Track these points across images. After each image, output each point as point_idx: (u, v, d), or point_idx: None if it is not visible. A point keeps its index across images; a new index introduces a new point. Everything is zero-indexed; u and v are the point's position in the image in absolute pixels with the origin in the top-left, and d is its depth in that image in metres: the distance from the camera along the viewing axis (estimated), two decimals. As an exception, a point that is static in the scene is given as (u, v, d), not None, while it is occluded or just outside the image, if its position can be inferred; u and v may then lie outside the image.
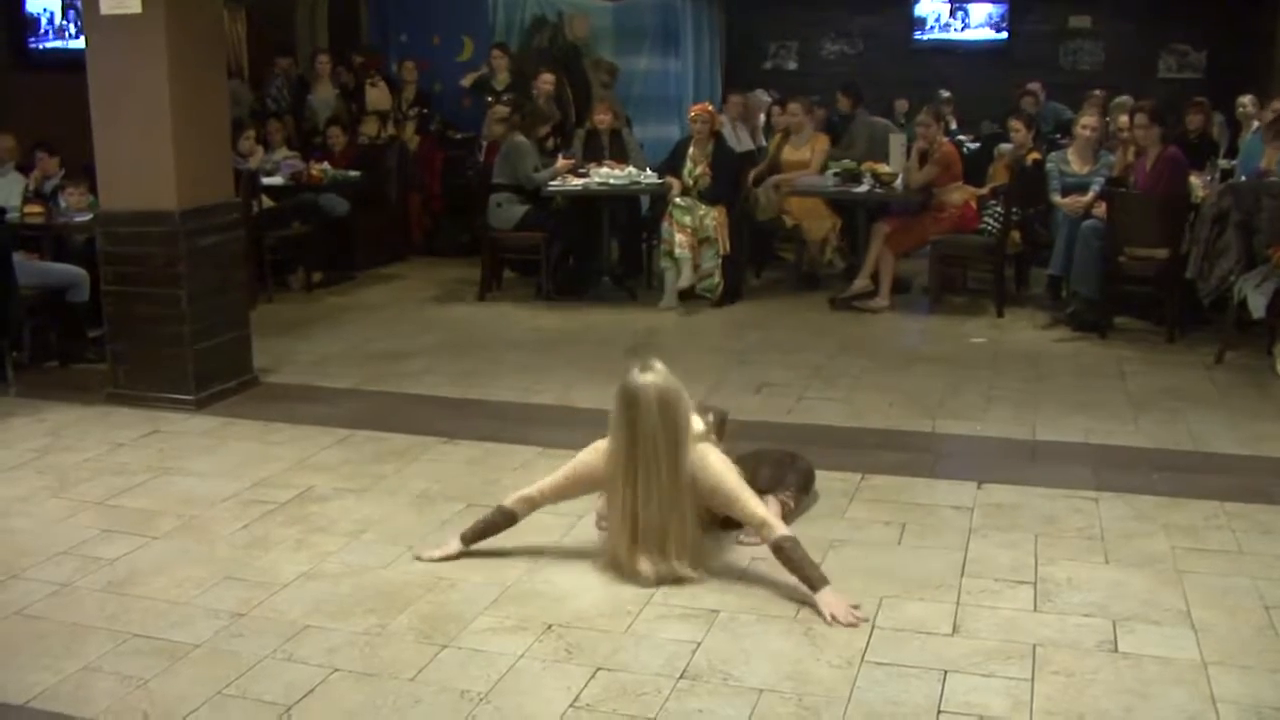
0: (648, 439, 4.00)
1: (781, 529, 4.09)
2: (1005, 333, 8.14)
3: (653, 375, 4.07)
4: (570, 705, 3.35)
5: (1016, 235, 8.74)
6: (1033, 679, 3.47)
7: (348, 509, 4.91)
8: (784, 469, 4.78)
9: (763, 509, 4.18)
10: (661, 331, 8.47)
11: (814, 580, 3.95)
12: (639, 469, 4.02)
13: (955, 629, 3.80)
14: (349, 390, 6.81)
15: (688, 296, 9.03)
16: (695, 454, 4.14)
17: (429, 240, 11.75)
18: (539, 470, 5.30)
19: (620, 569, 4.12)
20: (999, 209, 8.61)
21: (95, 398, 6.52)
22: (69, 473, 5.39)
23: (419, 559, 4.40)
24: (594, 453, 4.30)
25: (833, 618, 3.82)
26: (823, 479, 5.01)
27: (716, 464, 4.17)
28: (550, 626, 3.83)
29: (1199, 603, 3.96)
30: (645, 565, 4.07)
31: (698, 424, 4.25)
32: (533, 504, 4.41)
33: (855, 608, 3.88)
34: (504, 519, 4.40)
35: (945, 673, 3.51)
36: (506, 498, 4.45)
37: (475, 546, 4.39)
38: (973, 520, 4.72)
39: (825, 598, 3.89)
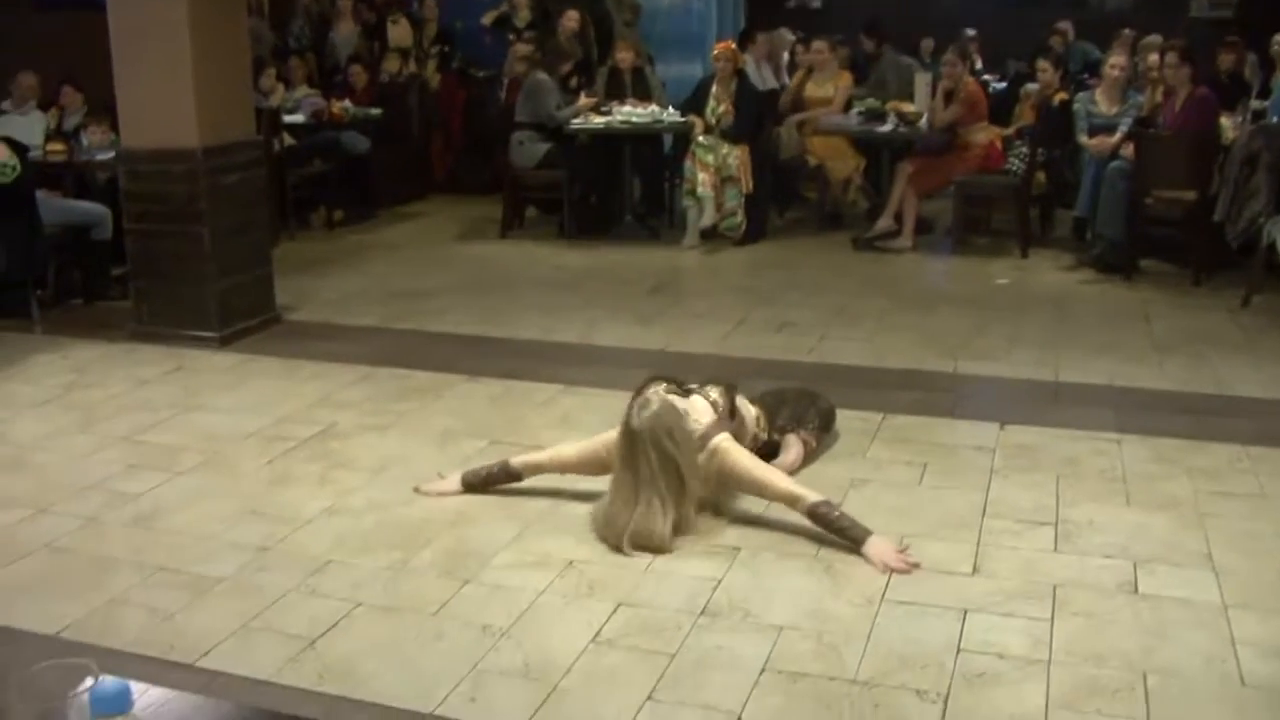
0: (649, 479, 3.94)
1: (812, 496, 4.02)
2: (1029, 274, 8.09)
3: (649, 414, 3.96)
4: (591, 640, 3.37)
5: (1042, 176, 8.67)
6: (1052, 619, 3.48)
7: (370, 445, 4.93)
8: (805, 408, 4.77)
9: (789, 485, 4.11)
10: (683, 270, 8.45)
11: (857, 536, 3.90)
12: (641, 495, 3.96)
13: (976, 569, 3.80)
14: (371, 328, 6.82)
15: (710, 235, 9.00)
16: (712, 454, 4.10)
17: (450, 178, 11.73)
18: (561, 407, 5.32)
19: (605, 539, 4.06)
20: (1024, 149, 8.53)
21: (119, 335, 6.55)
22: (95, 409, 5.42)
23: (417, 491, 4.43)
24: (611, 438, 4.22)
25: (886, 567, 3.78)
26: (844, 418, 5.00)
27: (733, 460, 4.12)
28: (571, 563, 3.85)
29: (1221, 545, 3.95)
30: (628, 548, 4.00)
31: (706, 412, 4.21)
32: (539, 470, 4.39)
33: (904, 550, 3.85)
34: (506, 476, 4.40)
35: (965, 612, 3.52)
36: (515, 456, 4.46)
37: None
38: (994, 461, 4.71)
39: (872, 549, 3.85)
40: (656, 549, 3.89)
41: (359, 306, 7.29)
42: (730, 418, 4.28)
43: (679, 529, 3.96)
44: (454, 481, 4.44)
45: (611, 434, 4.24)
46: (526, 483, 4.43)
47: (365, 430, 5.11)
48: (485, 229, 9.72)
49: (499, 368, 5.90)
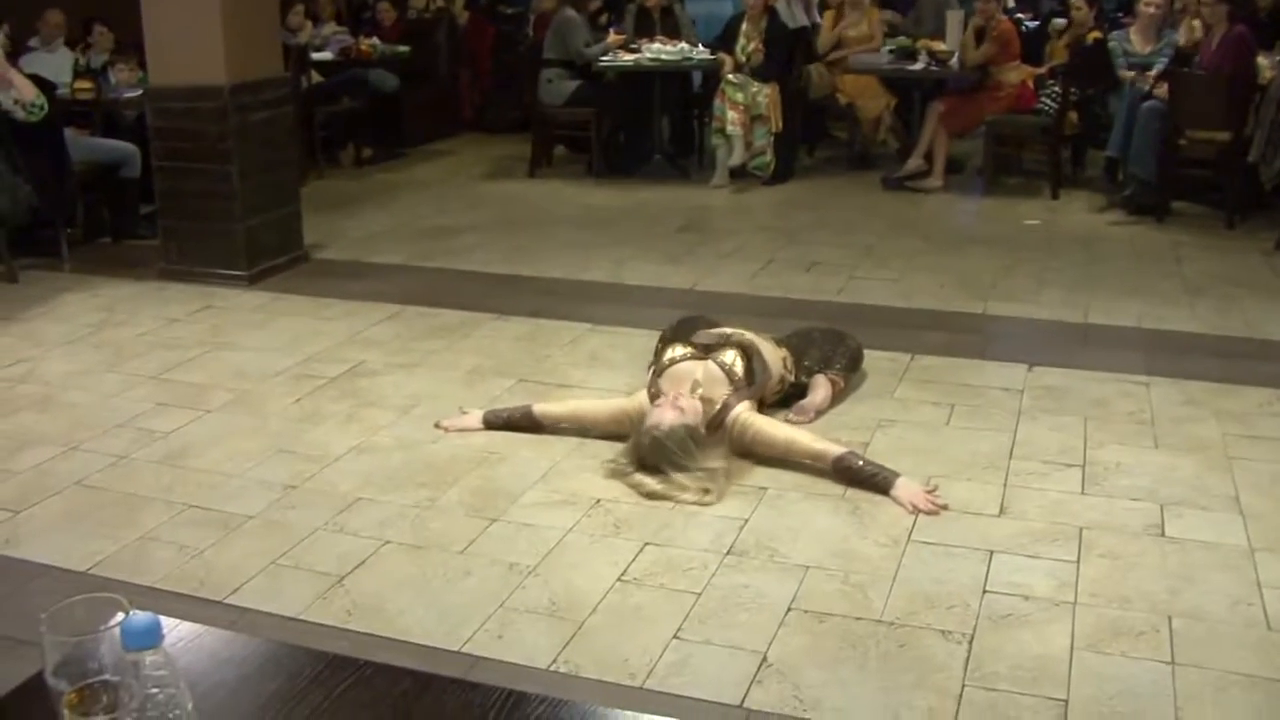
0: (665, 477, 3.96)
1: (836, 449, 4.02)
2: (1060, 215, 8.02)
3: (652, 443, 3.95)
4: (618, 579, 3.39)
5: (1074, 116, 8.56)
6: (1078, 561, 3.47)
7: (398, 384, 4.95)
8: (833, 348, 4.75)
9: (813, 442, 4.11)
10: (712, 209, 8.41)
11: (885, 482, 3.90)
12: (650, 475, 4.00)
13: (1002, 510, 3.79)
14: (399, 266, 6.83)
15: (739, 174, 8.95)
16: (734, 427, 4.10)
17: (479, 116, 11.69)
18: (588, 346, 5.32)
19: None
20: (1057, 89, 8.42)
21: (148, 274, 6.57)
22: (124, 347, 5.45)
23: (438, 426, 4.45)
24: (632, 406, 4.26)
25: (914, 508, 3.78)
26: (872, 359, 4.99)
27: (755, 430, 4.12)
28: (599, 502, 3.86)
29: (1248, 489, 3.93)
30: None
31: (721, 384, 4.18)
32: (557, 421, 4.40)
33: (932, 492, 3.85)
34: (527, 422, 4.41)
35: (991, 553, 3.52)
36: (539, 404, 4.47)
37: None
38: (1022, 402, 4.69)
39: (901, 492, 3.85)
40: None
41: (387, 245, 7.29)
42: (748, 383, 4.26)
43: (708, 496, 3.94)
44: (476, 418, 4.47)
45: (633, 402, 4.27)
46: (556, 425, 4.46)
47: (393, 369, 5.13)
48: (513, 167, 9.69)
49: (526, 306, 5.90)
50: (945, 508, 3.80)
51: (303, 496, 3.94)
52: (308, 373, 5.09)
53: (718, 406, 4.15)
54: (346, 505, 3.87)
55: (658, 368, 4.33)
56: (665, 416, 3.99)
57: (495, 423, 4.44)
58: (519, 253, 7.07)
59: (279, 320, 5.82)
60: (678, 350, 4.34)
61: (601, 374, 4.98)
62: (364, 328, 5.66)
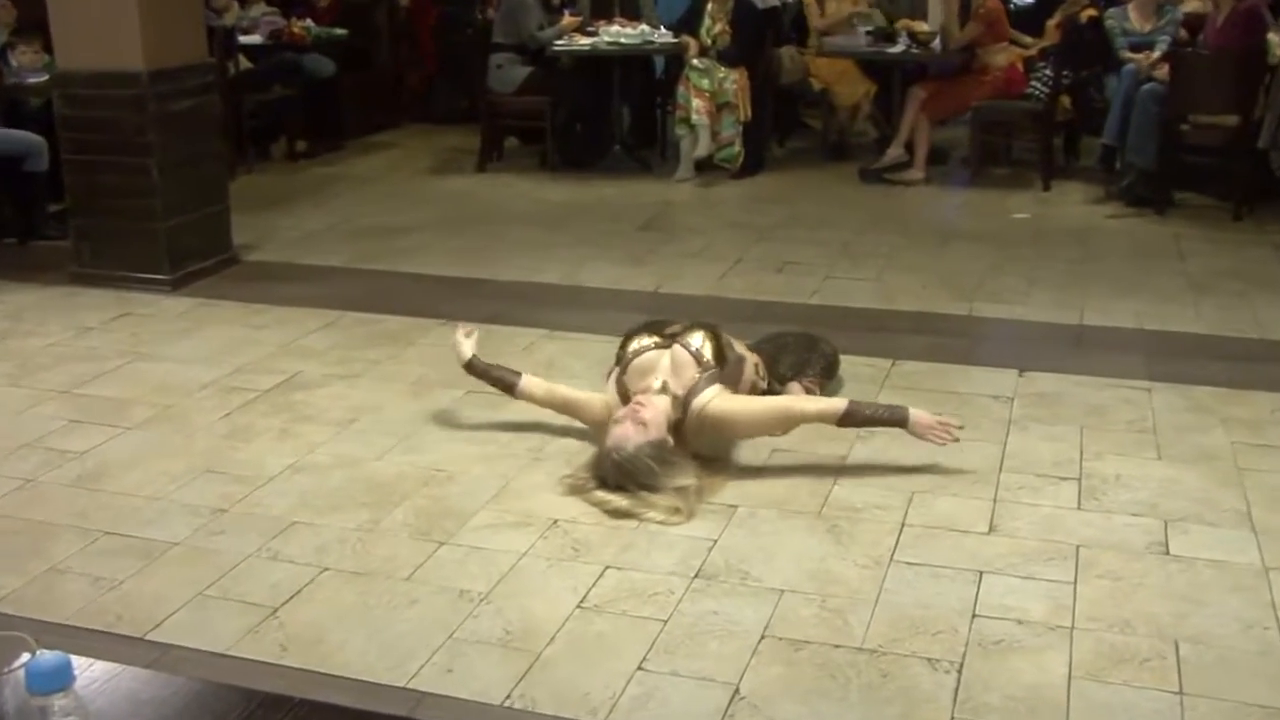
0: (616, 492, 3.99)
1: (834, 405, 4.18)
2: (1052, 208, 8.07)
3: (615, 465, 3.97)
4: (577, 606, 3.38)
5: (1066, 100, 8.62)
6: (1075, 582, 3.48)
7: (337, 396, 4.92)
8: (807, 353, 4.77)
9: (808, 404, 4.29)
10: (676, 205, 8.42)
11: (897, 419, 4.15)
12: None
13: (992, 527, 3.81)
14: (338, 269, 6.80)
15: (705, 167, 8.96)
16: (701, 417, 4.13)
17: (423, 105, 11.65)
18: (545, 353, 5.32)
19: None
20: (1048, 72, 8.47)
21: (58, 278, 6.50)
22: (31, 359, 5.39)
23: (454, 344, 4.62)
24: (598, 404, 4.35)
25: (929, 431, 4.09)
26: (850, 365, 5.00)
27: (732, 411, 4.16)
28: (556, 522, 3.85)
29: (1260, 503, 3.95)
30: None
31: (688, 366, 4.19)
32: (532, 398, 4.49)
33: (944, 422, 4.11)
34: (506, 386, 4.52)
35: (981, 574, 3.52)
36: (526, 377, 4.52)
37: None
38: (1012, 410, 4.71)
39: (917, 427, 4.12)
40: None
41: (324, 245, 7.26)
42: (719, 364, 4.26)
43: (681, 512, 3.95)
44: (466, 349, 4.59)
45: (606, 401, 4.32)
46: (508, 436, 4.48)
47: (332, 380, 5.10)
48: (461, 161, 9.67)
49: (477, 311, 5.86)
50: (960, 428, 4.15)
51: (232, 521, 3.91)
52: (237, 385, 5.05)
53: (685, 391, 4.16)
54: (281, 529, 3.84)
55: (622, 362, 4.33)
56: (628, 436, 3.99)
57: (480, 371, 4.57)
58: (468, 253, 7.05)
59: (205, 328, 5.78)
60: (642, 340, 4.35)
61: (558, 382, 4.96)
62: (299, 336, 5.63)
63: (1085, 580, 3.49)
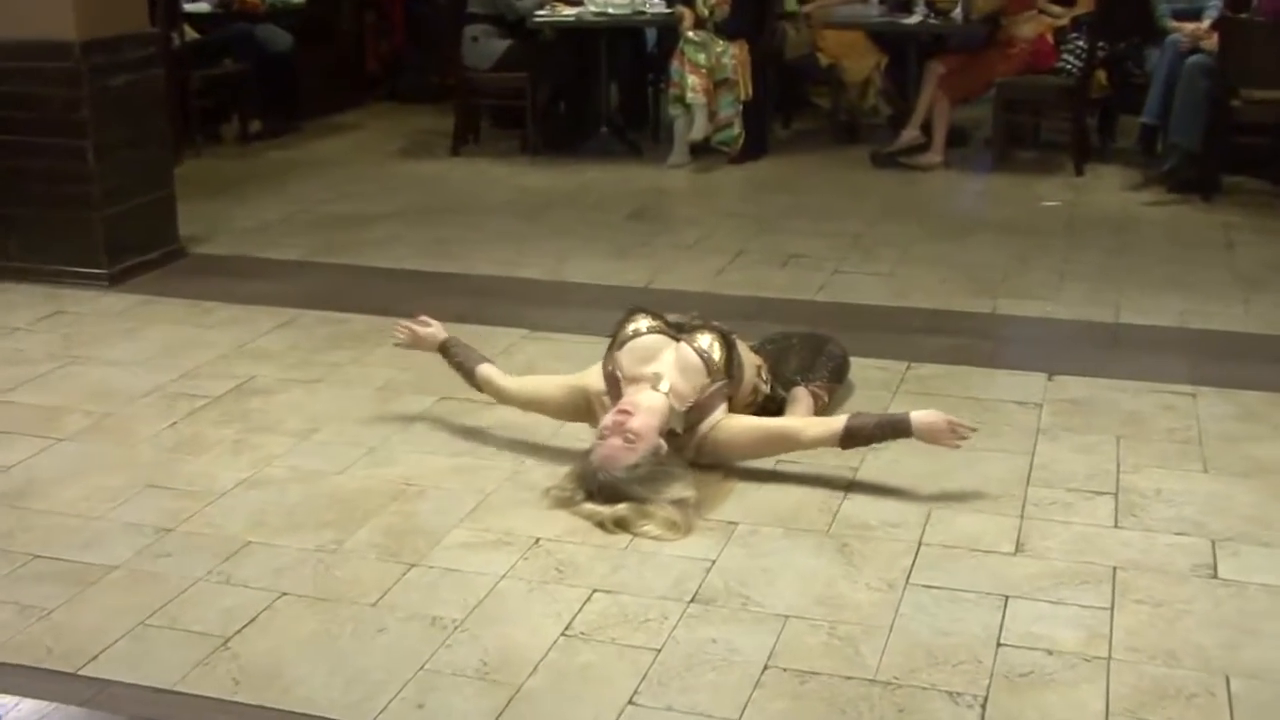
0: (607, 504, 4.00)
1: (833, 427, 4.18)
2: (1085, 194, 8.09)
3: (614, 476, 3.99)
4: (561, 634, 3.37)
5: (1102, 75, 8.63)
6: (1112, 608, 3.48)
7: (296, 404, 4.92)
8: (814, 355, 4.77)
9: (806, 429, 4.27)
10: (670, 193, 8.42)
11: (900, 428, 4.16)
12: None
13: (1019, 547, 3.81)
14: (297, 262, 6.80)
15: (701, 151, 8.96)
16: (702, 437, 4.17)
17: (390, 82, 11.64)
18: (524, 355, 5.31)
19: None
20: (1082, 43, 8.47)
21: (-17, 272, 6.51)
22: (-41, 361, 5.39)
23: (397, 332, 4.74)
24: (587, 387, 4.36)
25: (939, 436, 4.11)
26: (860, 368, 5.00)
27: (734, 433, 4.21)
28: (538, 541, 3.85)
29: (1318, 520, 3.97)
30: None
31: (697, 374, 4.20)
32: (493, 390, 4.56)
33: (952, 422, 4.11)
34: (467, 376, 4.61)
35: (1006, 599, 3.52)
36: (487, 366, 4.58)
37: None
38: (1041, 418, 4.71)
39: (924, 432, 4.12)
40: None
41: (281, 237, 7.27)
42: (728, 376, 4.27)
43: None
44: (436, 335, 4.68)
45: (585, 383, 4.34)
46: (486, 446, 4.49)
47: (289, 385, 5.10)
48: (433, 144, 9.67)
49: (451, 309, 5.84)
50: (972, 431, 4.15)
51: (179, 541, 3.90)
52: (185, 391, 5.05)
53: (691, 403, 4.16)
54: (233, 551, 3.83)
55: (618, 340, 4.32)
56: (617, 457, 3.98)
57: (449, 353, 4.66)
58: (440, 246, 7.05)
59: (149, 329, 5.77)
60: (643, 322, 4.33)
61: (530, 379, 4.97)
62: (254, 337, 5.62)
63: (1123, 606, 3.49)
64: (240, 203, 8.01)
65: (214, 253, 6.94)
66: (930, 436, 4.12)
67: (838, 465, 4.27)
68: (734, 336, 4.40)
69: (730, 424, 4.22)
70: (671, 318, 4.43)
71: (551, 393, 4.45)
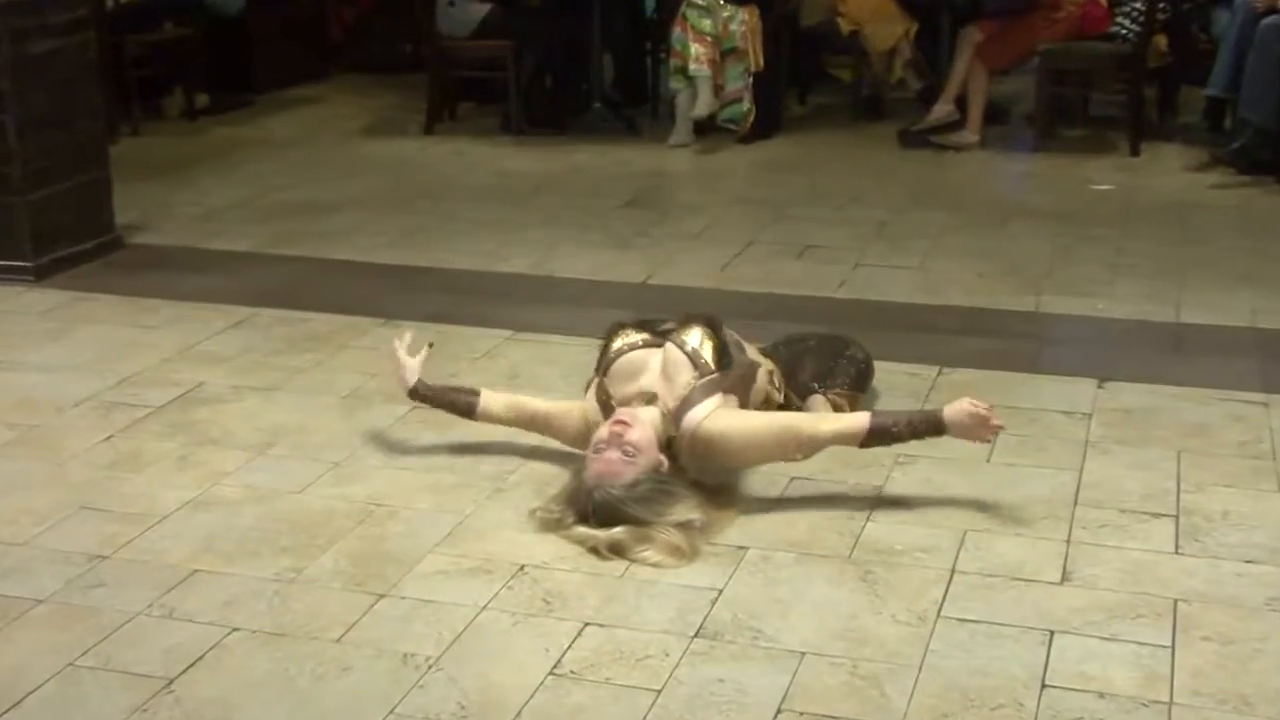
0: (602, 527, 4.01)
1: (855, 422, 4.19)
2: (1142, 176, 8.11)
3: (611, 496, 3.99)
4: (550, 673, 3.37)
5: (1162, 41, 8.62)
6: (1173, 646, 3.47)
7: (250, 414, 4.92)
8: (834, 359, 4.78)
9: (822, 423, 4.26)
10: (671, 176, 8.43)
11: (934, 425, 4.15)
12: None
13: (1065, 576, 3.81)
14: (250, 254, 6.81)
15: (707, 129, 8.98)
16: (694, 440, 4.16)
17: (356, 51, 11.64)
18: (507, 360, 5.33)
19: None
20: (1138, 5, 8.47)
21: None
22: None
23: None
24: (576, 416, 4.38)
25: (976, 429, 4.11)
26: (886, 374, 5.01)
27: (734, 432, 4.18)
28: (522, 568, 3.85)
29: None
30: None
31: (683, 369, 4.21)
32: (494, 417, 4.53)
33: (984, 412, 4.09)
34: (462, 410, 4.54)
35: (1052, 634, 3.52)
36: (485, 394, 4.54)
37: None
38: (1091, 430, 4.72)
39: (960, 428, 4.12)
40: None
41: (232, 226, 7.28)
42: (720, 368, 4.28)
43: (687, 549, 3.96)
44: (410, 372, 4.56)
45: (586, 411, 4.33)
46: (464, 461, 4.50)
47: (243, 393, 5.11)
48: (404, 121, 9.69)
49: (424, 308, 5.89)
50: (999, 428, 4.14)
51: (115, 570, 3.90)
52: (123, 401, 5.05)
53: (677, 402, 4.17)
54: (178, 580, 3.83)
55: (603, 363, 4.36)
56: (615, 472, 3.99)
57: (424, 396, 4.58)
58: (412, 236, 7.08)
59: (81, 329, 5.78)
60: (628, 337, 4.37)
61: (527, 395, 4.96)
62: (202, 339, 5.63)
63: (1186, 644, 3.49)
64: (185, 186, 8.02)
65: (155, 243, 6.95)
66: (967, 433, 4.13)
67: (859, 483, 4.29)
68: (720, 323, 4.39)
69: (726, 415, 4.18)
70: (660, 326, 4.43)
71: (560, 414, 4.45)
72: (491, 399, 4.52)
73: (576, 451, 4.28)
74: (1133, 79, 8.60)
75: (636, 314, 4.72)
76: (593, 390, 4.36)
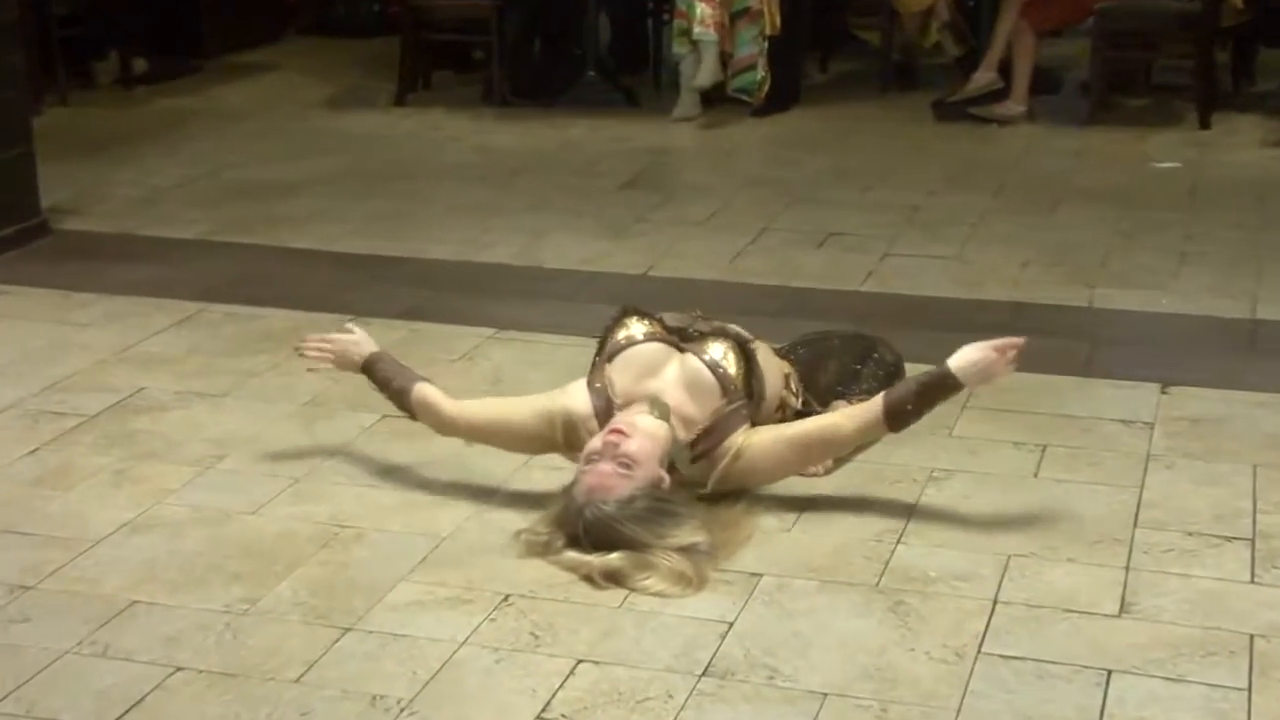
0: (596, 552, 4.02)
1: (872, 411, 4.20)
2: (1213, 152, 8.12)
3: (603, 513, 3.99)
4: (537, 717, 3.38)
5: (1237, -4, 8.64)
6: (1249, 688, 3.47)
7: (197, 423, 4.93)
8: (859, 361, 4.80)
9: (844, 421, 4.28)
10: (675, 154, 8.43)
11: (947, 384, 4.18)
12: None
13: (1124, 607, 3.81)
14: (196, 242, 6.83)
15: (715, 100, 8.98)
16: (732, 459, 4.20)
17: (317, 11, 11.65)
18: (490, 361, 5.35)
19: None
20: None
21: None
22: None
23: (299, 350, 4.60)
24: (557, 411, 4.31)
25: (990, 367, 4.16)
26: (920, 377, 5.02)
27: (765, 451, 4.24)
28: (507, 598, 3.85)
29: None
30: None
31: (710, 394, 4.23)
32: (431, 416, 4.44)
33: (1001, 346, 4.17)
34: (400, 400, 4.48)
35: (1109, 673, 3.52)
36: (424, 386, 4.46)
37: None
38: (1153, 442, 4.72)
39: (970, 375, 4.16)
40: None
41: (177, 210, 7.29)
42: (747, 395, 4.29)
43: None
44: (360, 349, 4.53)
45: (560, 405, 4.29)
46: (440, 476, 4.49)
47: (188, 400, 5.11)
48: (372, 91, 9.70)
49: (396, 303, 5.89)
50: (1019, 347, 4.17)
51: (41, 602, 3.89)
52: (51, 409, 5.06)
53: (701, 428, 4.18)
54: (113, 613, 3.83)
55: (607, 350, 4.36)
56: (609, 486, 3.99)
57: (375, 370, 4.52)
58: (383, 222, 7.09)
59: (2, 327, 5.78)
60: (638, 327, 4.36)
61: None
62: (141, 338, 5.64)
63: (1265, 686, 3.48)
64: (122, 164, 8.03)
65: (88, 229, 6.97)
66: (983, 376, 4.17)
67: (889, 499, 4.30)
68: (753, 345, 4.41)
69: (756, 445, 4.21)
70: (671, 320, 4.45)
71: (516, 416, 4.38)
72: (428, 394, 4.43)
73: (570, 465, 4.28)
74: (1202, 41, 8.60)
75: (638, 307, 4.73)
76: (584, 381, 4.33)
